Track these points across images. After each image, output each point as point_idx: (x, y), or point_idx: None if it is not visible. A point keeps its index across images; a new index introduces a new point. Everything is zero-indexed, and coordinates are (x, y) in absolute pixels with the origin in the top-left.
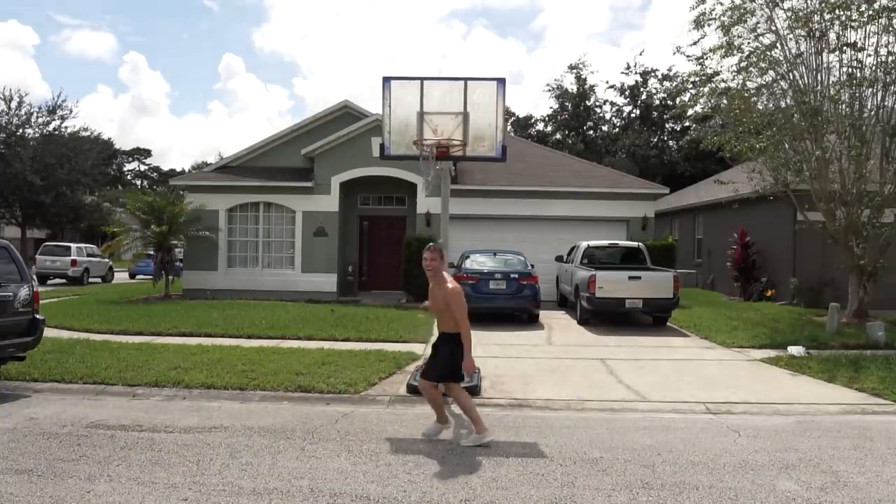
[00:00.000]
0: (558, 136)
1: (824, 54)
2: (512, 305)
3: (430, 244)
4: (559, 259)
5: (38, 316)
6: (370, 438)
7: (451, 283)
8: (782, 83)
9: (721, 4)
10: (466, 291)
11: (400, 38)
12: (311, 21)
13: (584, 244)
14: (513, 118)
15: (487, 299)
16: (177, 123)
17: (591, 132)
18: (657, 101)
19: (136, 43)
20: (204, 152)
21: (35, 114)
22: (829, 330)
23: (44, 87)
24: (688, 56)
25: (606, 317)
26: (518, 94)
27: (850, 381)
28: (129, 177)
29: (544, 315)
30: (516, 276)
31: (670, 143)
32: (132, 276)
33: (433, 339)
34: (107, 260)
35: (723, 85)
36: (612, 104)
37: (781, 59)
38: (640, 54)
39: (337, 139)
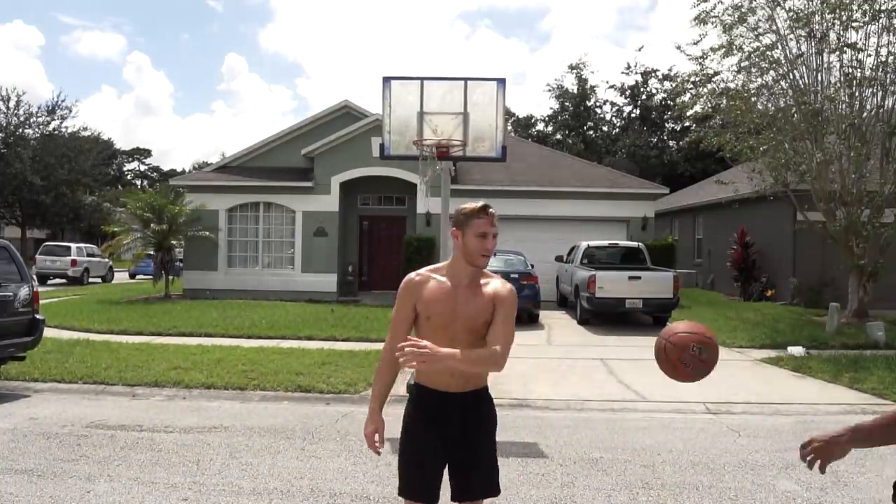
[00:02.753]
0: (558, 136)
1: (825, 54)
2: None
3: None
4: (559, 259)
5: (38, 316)
6: None
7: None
8: (782, 83)
9: (721, 3)
10: None
11: (404, 39)
12: (314, 22)
13: (584, 244)
14: (513, 118)
15: None
16: (180, 124)
17: (592, 132)
18: (657, 102)
19: (140, 43)
20: (207, 152)
21: (35, 114)
22: (829, 330)
23: (48, 87)
24: (688, 55)
25: (606, 317)
26: (521, 95)
27: (850, 381)
28: (129, 177)
29: (544, 315)
30: (516, 276)
31: (670, 143)
32: (132, 276)
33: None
34: (107, 260)
35: (723, 85)
36: (613, 104)
37: (782, 59)
38: (640, 50)
39: (337, 139)
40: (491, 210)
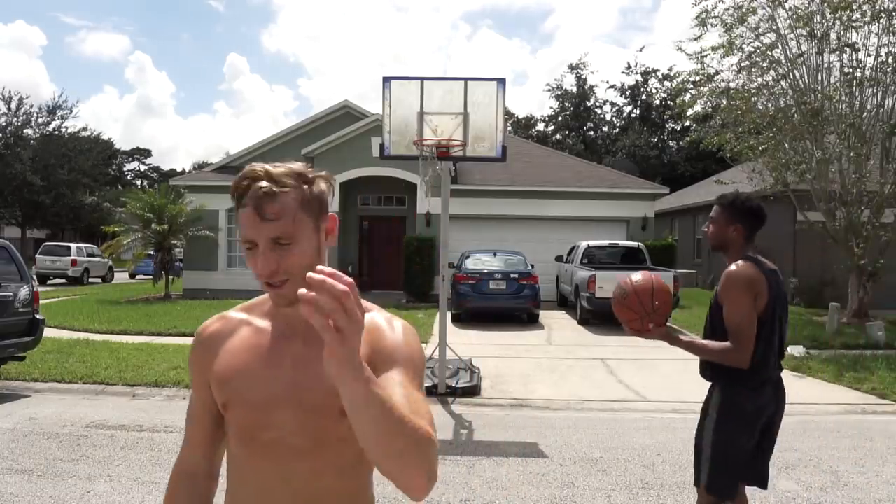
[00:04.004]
0: (558, 136)
1: (825, 54)
2: (512, 305)
3: None
4: (559, 259)
5: (38, 316)
6: None
7: (384, 322)
8: (783, 83)
9: (723, 2)
10: (466, 291)
11: (405, 40)
12: (316, 22)
13: (584, 244)
14: (513, 119)
15: (487, 299)
16: (182, 124)
17: (592, 132)
18: (657, 102)
19: (142, 44)
20: (209, 152)
21: (35, 114)
22: (829, 330)
23: (51, 88)
24: (688, 54)
25: (606, 317)
26: (522, 95)
27: (850, 381)
28: (129, 177)
29: (544, 315)
30: (516, 276)
31: (670, 143)
32: (132, 276)
33: None
34: (107, 260)
35: (723, 84)
36: (613, 104)
37: (782, 59)
38: (641, 50)
39: (337, 139)
40: (263, 185)
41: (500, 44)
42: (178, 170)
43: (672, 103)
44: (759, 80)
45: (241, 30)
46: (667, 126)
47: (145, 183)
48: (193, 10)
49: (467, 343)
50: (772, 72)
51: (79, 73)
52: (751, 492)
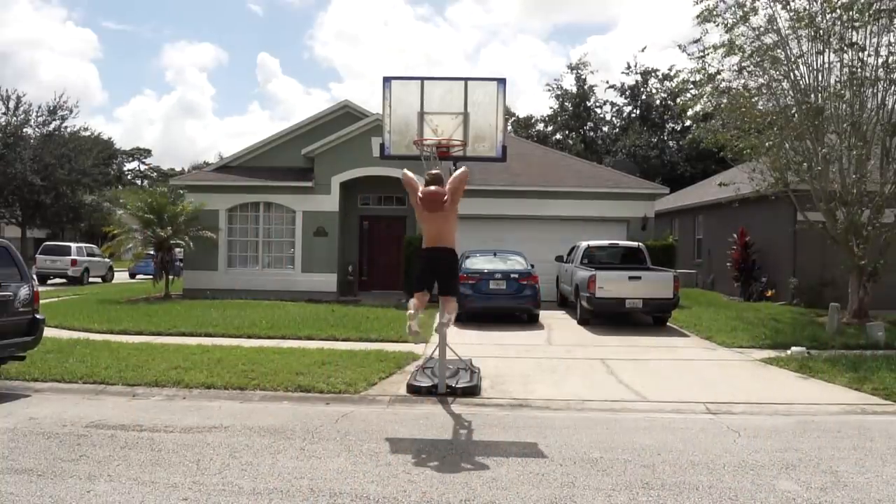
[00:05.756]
0: (558, 136)
1: (826, 54)
2: (512, 305)
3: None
4: (559, 259)
5: (38, 316)
6: (370, 438)
7: None
8: (784, 83)
9: (724, 2)
10: (466, 291)
11: (408, 40)
12: (354, 26)
13: (584, 244)
14: (513, 118)
15: (487, 299)
16: (220, 124)
17: (592, 133)
18: (657, 102)
19: (181, 46)
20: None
21: (35, 113)
22: (830, 330)
23: (102, 92)
24: (689, 54)
25: (606, 317)
26: (523, 95)
27: (850, 381)
28: (129, 177)
29: (544, 315)
30: (516, 276)
31: (670, 143)
32: (132, 275)
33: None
34: (107, 260)
35: (724, 84)
36: (613, 104)
37: (783, 58)
38: (643, 50)
39: (337, 139)
40: None
41: (512, 47)
42: (176, 169)
43: (672, 103)
44: (760, 80)
45: (278, 32)
46: (667, 126)
47: (145, 183)
48: (229, 13)
49: (467, 343)
50: (772, 71)
51: (122, 77)
52: (750, 492)
